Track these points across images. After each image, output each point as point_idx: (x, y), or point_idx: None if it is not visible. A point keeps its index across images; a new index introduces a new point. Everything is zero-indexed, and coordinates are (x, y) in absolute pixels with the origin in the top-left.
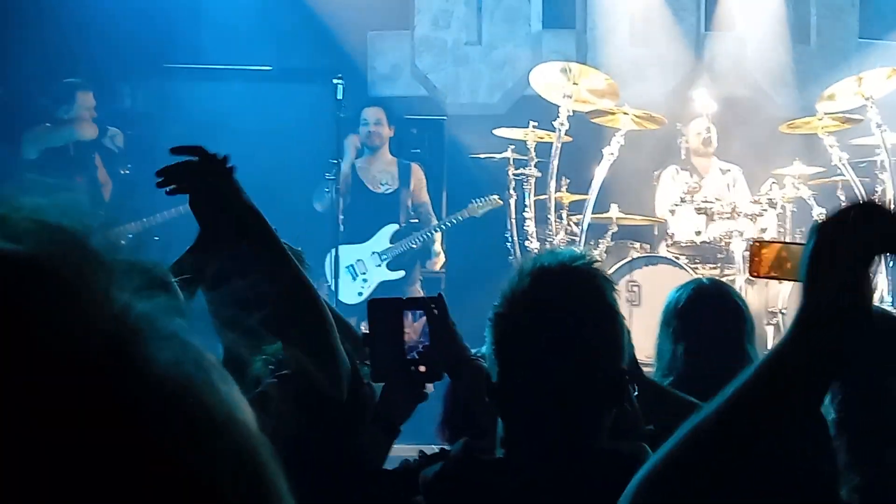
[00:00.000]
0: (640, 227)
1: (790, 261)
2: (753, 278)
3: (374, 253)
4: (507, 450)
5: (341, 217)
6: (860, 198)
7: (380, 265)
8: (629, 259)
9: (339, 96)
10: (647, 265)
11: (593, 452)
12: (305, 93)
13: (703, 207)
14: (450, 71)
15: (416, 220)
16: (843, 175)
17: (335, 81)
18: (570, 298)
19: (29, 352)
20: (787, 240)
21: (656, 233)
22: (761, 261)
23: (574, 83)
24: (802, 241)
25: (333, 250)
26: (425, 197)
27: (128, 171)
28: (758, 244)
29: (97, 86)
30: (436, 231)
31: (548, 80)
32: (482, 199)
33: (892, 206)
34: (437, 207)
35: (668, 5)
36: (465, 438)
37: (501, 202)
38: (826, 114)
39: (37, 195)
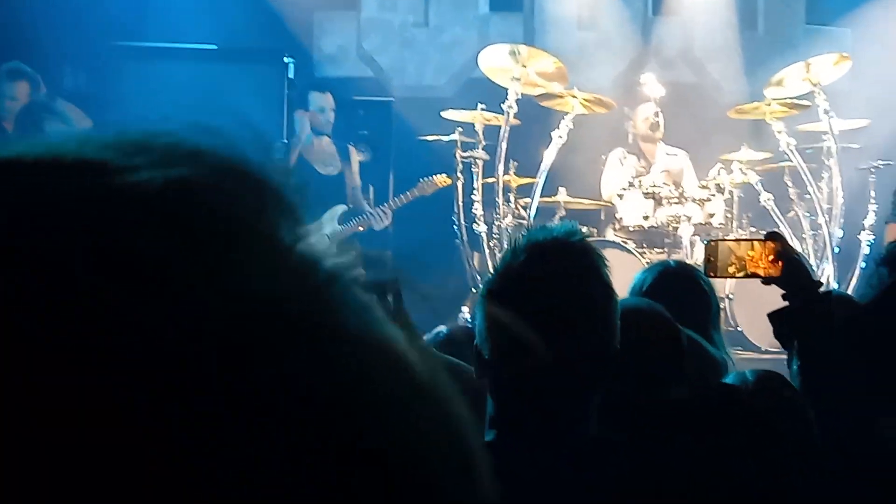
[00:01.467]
0: (588, 210)
1: (746, 261)
2: (711, 278)
3: (322, 235)
4: (498, 430)
5: None
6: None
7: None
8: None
9: (291, 75)
10: None
11: (583, 437)
12: (251, 73)
13: (652, 192)
14: (396, 53)
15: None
16: (791, 161)
17: (286, 60)
18: (565, 274)
19: (201, 305)
20: (737, 231)
21: (603, 217)
22: (718, 263)
23: (523, 66)
24: (751, 237)
25: None
26: (358, 181)
27: None
28: (714, 244)
29: (39, 66)
30: (385, 212)
31: (496, 62)
32: (430, 178)
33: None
34: (384, 190)
35: None
36: None
37: (451, 181)
38: (774, 99)
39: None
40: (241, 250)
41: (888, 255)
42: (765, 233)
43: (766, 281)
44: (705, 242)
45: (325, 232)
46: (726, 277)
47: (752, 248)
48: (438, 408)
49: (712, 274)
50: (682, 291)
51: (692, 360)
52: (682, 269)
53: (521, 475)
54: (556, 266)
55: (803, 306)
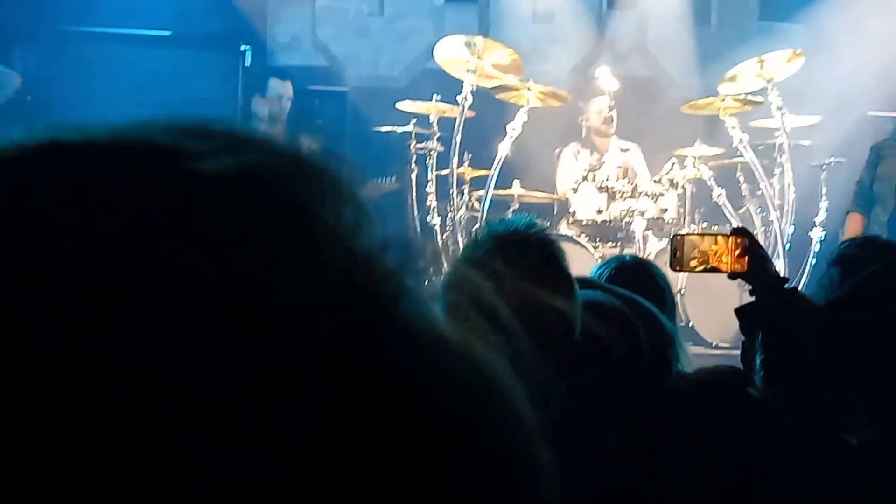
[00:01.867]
0: (541, 204)
1: (711, 256)
2: (677, 272)
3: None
4: None
5: None
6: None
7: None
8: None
9: (247, 63)
10: None
11: (545, 424)
12: (205, 60)
13: (605, 186)
14: (351, 42)
15: None
16: (743, 156)
17: (243, 48)
18: (526, 266)
19: (266, 292)
20: (689, 226)
21: (557, 211)
22: (684, 257)
23: (478, 58)
24: (713, 231)
25: None
26: None
27: None
28: (679, 238)
29: None
30: None
31: (451, 53)
32: (380, 180)
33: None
34: None
35: None
36: None
37: (399, 185)
38: (727, 95)
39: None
40: (316, 236)
41: (839, 256)
42: (731, 227)
43: (732, 276)
44: (671, 236)
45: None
46: (692, 271)
47: (718, 243)
48: (499, 397)
49: (678, 268)
50: (638, 286)
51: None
52: (638, 264)
53: None
54: (515, 258)
55: (770, 301)
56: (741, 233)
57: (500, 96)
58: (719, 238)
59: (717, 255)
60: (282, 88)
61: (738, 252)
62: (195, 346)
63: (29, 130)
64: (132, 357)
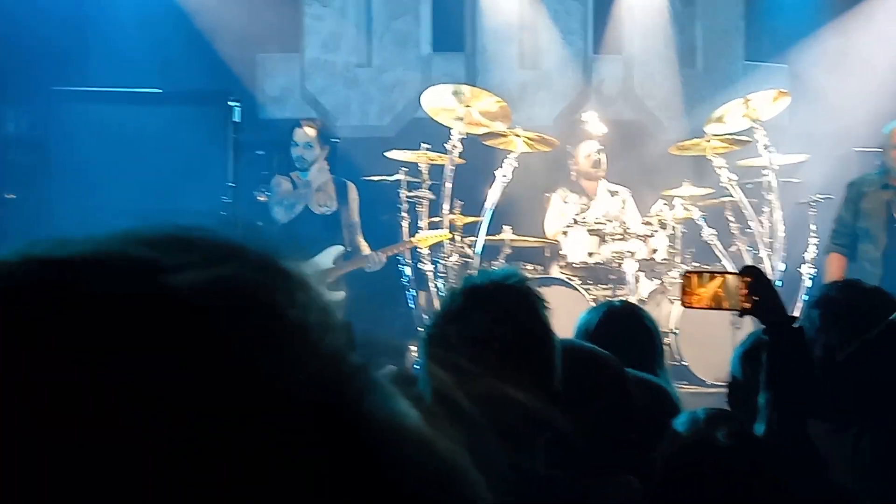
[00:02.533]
0: (532, 248)
1: (722, 293)
2: (686, 308)
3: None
4: None
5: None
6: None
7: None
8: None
9: (237, 118)
10: (541, 286)
11: (529, 479)
12: (196, 115)
13: (596, 229)
14: (340, 93)
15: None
16: (732, 196)
17: (231, 103)
18: (503, 317)
19: (244, 388)
20: (680, 266)
21: (548, 254)
22: (694, 293)
23: (466, 106)
24: (724, 270)
25: None
26: (356, 219)
27: (13, 197)
28: (689, 276)
29: None
30: (380, 256)
31: (439, 102)
32: (431, 232)
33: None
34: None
35: (556, 28)
36: None
37: (451, 236)
38: (714, 135)
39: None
40: (285, 341)
41: (820, 298)
42: (742, 266)
43: (742, 313)
44: (682, 273)
45: (318, 269)
46: (701, 308)
47: (728, 280)
48: (457, 484)
49: (687, 304)
50: (627, 331)
51: (644, 397)
52: (627, 309)
53: None
54: (493, 309)
55: (778, 340)
56: (750, 271)
57: (488, 143)
58: (729, 275)
59: (727, 292)
60: (306, 136)
61: (746, 290)
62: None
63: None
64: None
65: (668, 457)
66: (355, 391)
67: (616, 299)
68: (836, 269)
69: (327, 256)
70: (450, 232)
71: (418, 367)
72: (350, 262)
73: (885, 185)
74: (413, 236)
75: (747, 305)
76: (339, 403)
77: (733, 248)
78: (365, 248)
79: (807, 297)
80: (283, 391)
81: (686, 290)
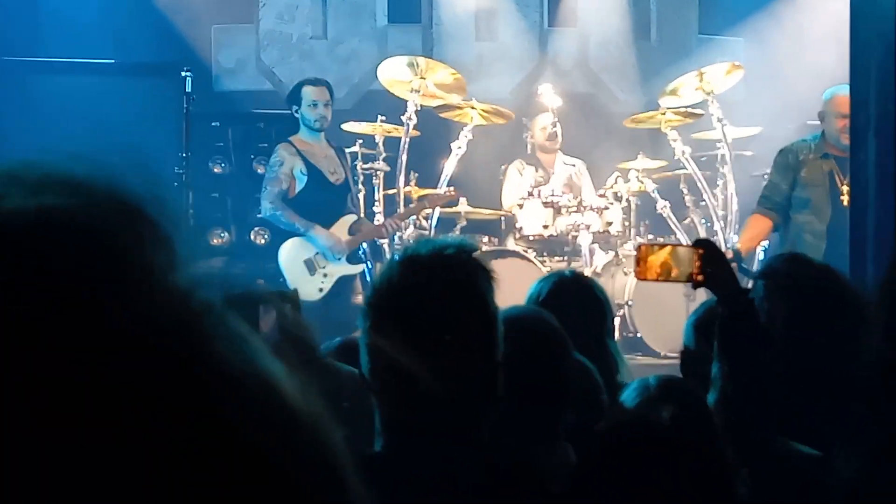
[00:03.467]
0: (488, 220)
1: (675, 266)
2: (640, 280)
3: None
4: (386, 440)
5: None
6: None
7: (339, 259)
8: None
9: (188, 89)
10: (496, 258)
11: (474, 447)
12: (149, 87)
13: (550, 201)
14: (295, 65)
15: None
16: (686, 169)
17: (183, 74)
18: (439, 287)
19: (83, 328)
20: (634, 238)
21: (504, 227)
22: (648, 266)
23: (421, 78)
24: (677, 242)
25: (288, 243)
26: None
27: None
28: (643, 248)
29: None
30: (395, 223)
31: (395, 74)
32: (440, 192)
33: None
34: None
35: (511, 1)
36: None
37: (456, 194)
38: (668, 108)
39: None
40: (114, 280)
41: (767, 270)
42: (695, 239)
43: (695, 285)
44: (636, 245)
45: (335, 242)
46: (655, 280)
47: (681, 253)
48: (310, 433)
49: (641, 276)
50: (577, 300)
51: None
52: (577, 279)
53: (410, 482)
54: (429, 278)
55: (731, 312)
56: (703, 244)
57: (443, 115)
58: (682, 248)
59: (680, 264)
60: (324, 95)
61: (699, 262)
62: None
63: None
64: None
65: (608, 430)
66: (198, 332)
67: (566, 269)
68: (758, 229)
69: (342, 227)
70: (453, 191)
71: (361, 337)
72: (365, 233)
73: (825, 154)
74: (425, 199)
75: (700, 277)
76: (178, 344)
77: (687, 221)
78: (377, 217)
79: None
80: (109, 327)
81: (640, 263)
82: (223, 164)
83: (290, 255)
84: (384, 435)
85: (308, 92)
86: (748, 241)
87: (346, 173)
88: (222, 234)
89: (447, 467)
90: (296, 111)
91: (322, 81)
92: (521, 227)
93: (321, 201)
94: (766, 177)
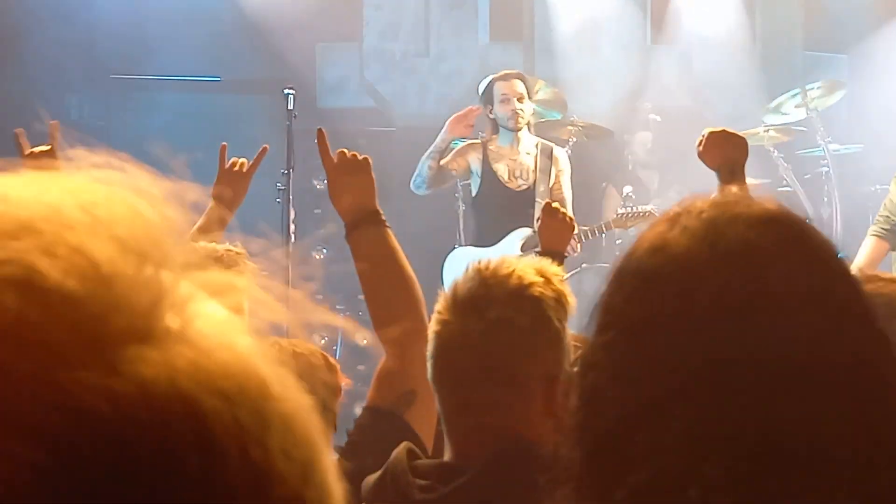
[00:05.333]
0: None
1: None
2: None
3: (524, 249)
4: (454, 454)
5: (461, 214)
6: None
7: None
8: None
9: (290, 106)
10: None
11: (538, 456)
12: (254, 104)
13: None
14: (398, 82)
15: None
16: (790, 186)
17: (286, 91)
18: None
19: None
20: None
21: (605, 244)
22: None
23: None
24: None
25: (457, 253)
26: (565, 192)
27: None
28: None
29: (44, 100)
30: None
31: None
32: (635, 211)
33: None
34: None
35: (614, 18)
36: (406, 444)
37: (656, 215)
38: (771, 126)
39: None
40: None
41: None
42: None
43: None
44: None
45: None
46: None
47: None
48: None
49: None
50: None
51: None
52: None
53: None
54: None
55: None
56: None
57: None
58: None
59: None
60: (516, 89)
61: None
62: None
63: None
64: None
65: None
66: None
67: None
68: (875, 253)
69: (513, 242)
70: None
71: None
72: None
73: None
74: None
75: None
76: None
77: None
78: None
79: None
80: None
81: None
82: (325, 181)
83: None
84: (451, 444)
85: (499, 87)
86: (866, 267)
87: (539, 178)
88: (323, 250)
89: (515, 480)
90: (490, 112)
91: (513, 74)
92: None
93: (493, 206)
94: (876, 189)
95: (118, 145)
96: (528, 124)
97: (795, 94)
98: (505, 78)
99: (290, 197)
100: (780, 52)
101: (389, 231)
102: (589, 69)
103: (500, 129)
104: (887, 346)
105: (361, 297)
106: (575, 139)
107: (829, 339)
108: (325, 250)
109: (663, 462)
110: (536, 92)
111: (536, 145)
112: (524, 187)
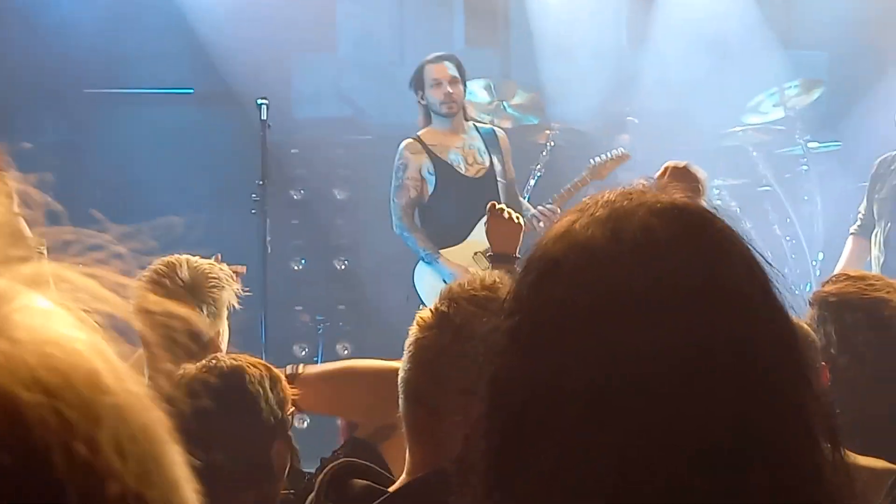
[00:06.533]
0: None
1: None
2: None
3: (477, 253)
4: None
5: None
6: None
7: (489, 267)
8: None
9: (264, 116)
10: None
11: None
12: (228, 115)
13: None
14: (374, 91)
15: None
16: (770, 185)
17: (259, 102)
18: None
19: None
20: None
21: None
22: None
23: (500, 100)
24: None
25: (424, 267)
26: (512, 172)
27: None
28: None
29: (20, 120)
30: (553, 210)
31: (472, 97)
32: (607, 156)
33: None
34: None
35: (590, 22)
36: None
37: (629, 156)
38: (750, 125)
39: None
40: None
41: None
42: None
43: None
44: None
45: (476, 249)
46: None
47: None
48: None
49: None
50: None
51: None
52: None
53: None
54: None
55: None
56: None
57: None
58: None
59: None
60: (446, 72)
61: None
62: None
63: None
64: None
65: None
66: None
67: None
68: (854, 252)
69: (481, 235)
70: (626, 152)
71: None
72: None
73: None
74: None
75: None
76: None
77: (771, 239)
78: (529, 208)
79: None
80: None
81: None
82: (302, 191)
83: (428, 281)
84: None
85: (429, 71)
86: (850, 266)
87: (493, 160)
88: (301, 261)
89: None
90: (421, 98)
91: (444, 56)
92: None
93: (453, 202)
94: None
95: (93, 159)
96: (463, 109)
97: (773, 94)
98: (436, 60)
99: (265, 208)
100: (757, 49)
101: None
102: (566, 73)
103: (433, 115)
104: (792, 337)
105: (341, 307)
106: (553, 143)
107: (719, 330)
108: (303, 261)
109: (565, 447)
110: (513, 96)
111: (475, 127)
112: (482, 173)
